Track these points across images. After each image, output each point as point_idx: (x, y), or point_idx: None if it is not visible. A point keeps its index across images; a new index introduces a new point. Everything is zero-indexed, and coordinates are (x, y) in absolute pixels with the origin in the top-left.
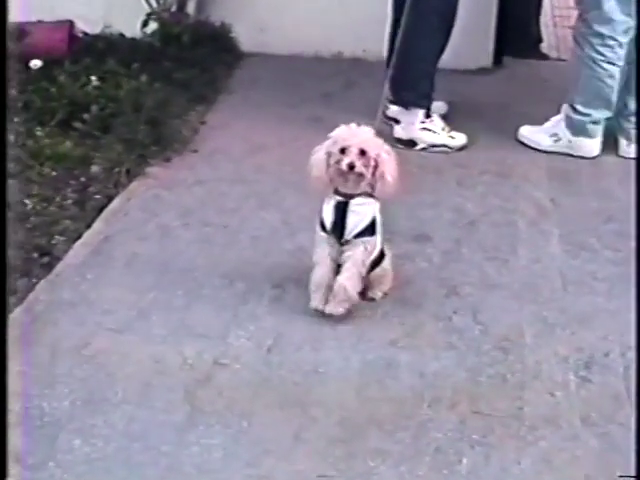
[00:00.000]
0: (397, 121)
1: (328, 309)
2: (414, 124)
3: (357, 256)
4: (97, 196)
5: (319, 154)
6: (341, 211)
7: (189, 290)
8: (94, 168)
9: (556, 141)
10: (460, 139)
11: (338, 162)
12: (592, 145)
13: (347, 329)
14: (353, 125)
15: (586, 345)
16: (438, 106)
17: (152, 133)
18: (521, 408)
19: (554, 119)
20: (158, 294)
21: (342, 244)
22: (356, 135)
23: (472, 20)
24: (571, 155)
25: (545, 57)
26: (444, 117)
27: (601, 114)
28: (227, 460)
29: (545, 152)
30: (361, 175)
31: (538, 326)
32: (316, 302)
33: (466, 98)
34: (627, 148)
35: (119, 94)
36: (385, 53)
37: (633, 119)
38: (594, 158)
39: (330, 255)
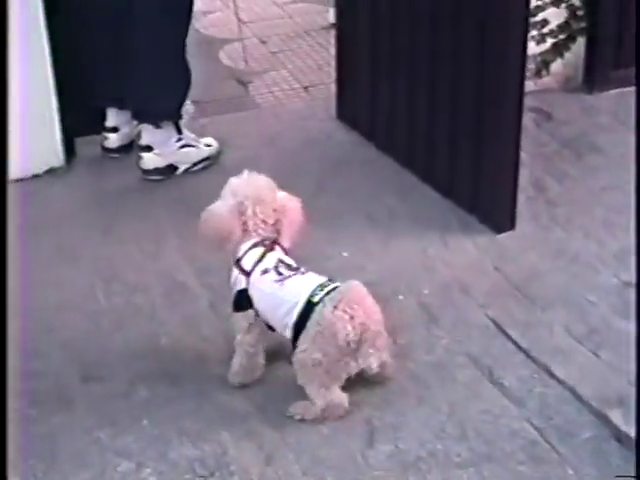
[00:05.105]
0: (148, 148)
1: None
2: (171, 144)
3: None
4: None
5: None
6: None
7: None
8: None
9: None
10: (214, 144)
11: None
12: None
13: None
14: (245, 174)
15: None
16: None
17: None
18: None
19: None
20: None
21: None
22: (252, 185)
23: (30, 113)
24: None
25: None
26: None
27: None
28: None
29: None
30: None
31: None
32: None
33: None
34: None
35: None
36: None
37: None
38: None
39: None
